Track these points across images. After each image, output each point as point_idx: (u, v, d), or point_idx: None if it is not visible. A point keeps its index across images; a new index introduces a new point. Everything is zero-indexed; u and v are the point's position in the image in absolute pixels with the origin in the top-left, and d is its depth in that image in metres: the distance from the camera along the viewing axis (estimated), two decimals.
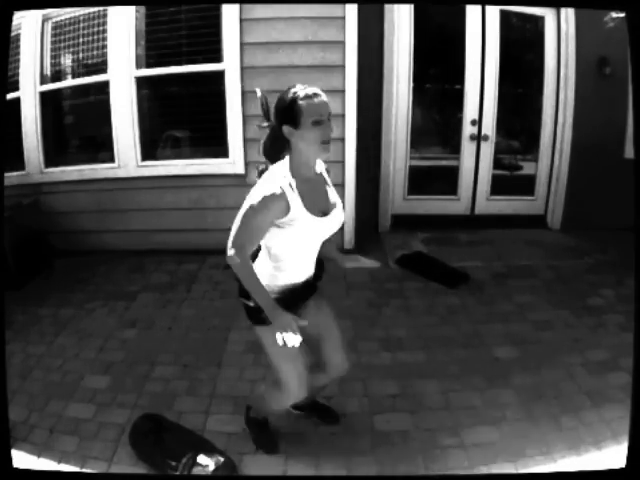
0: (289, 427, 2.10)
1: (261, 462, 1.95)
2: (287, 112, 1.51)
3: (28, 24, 3.73)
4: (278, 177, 1.54)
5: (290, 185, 1.53)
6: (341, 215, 1.69)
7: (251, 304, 1.64)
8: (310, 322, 1.66)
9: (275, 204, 1.50)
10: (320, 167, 1.71)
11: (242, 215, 1.53)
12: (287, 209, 1.52)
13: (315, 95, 1.50)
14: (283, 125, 1.53)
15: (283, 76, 3.48)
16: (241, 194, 1.61)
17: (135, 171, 3.82)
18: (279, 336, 1.54)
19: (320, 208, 1.61)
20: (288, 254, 1.62)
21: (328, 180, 1.73)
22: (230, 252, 1.55)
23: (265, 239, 1.60)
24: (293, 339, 1.54)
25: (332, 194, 1.71)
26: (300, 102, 1.49)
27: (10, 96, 3.73)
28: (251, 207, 1.51)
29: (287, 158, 1.59)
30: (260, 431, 2.05)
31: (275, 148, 1.61)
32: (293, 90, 1.52)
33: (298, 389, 1.74)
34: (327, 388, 2.07)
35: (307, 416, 2.15)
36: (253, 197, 1.52)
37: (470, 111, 4.19)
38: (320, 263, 1.79)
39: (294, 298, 1.68)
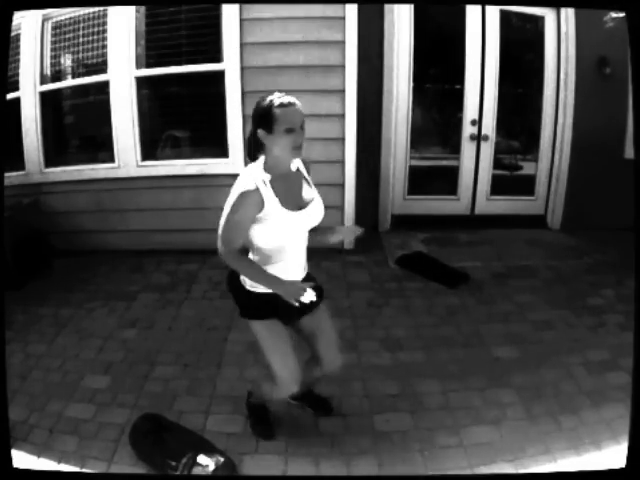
0: (289, 427, 2.10)
1: (261, 462, 1.95)
2: (262, 118, 1.60)
3: (28, 24, 3.73)
4: (252, 175, 1.64)
5: (264, 182, 1.63)
6: (320, 209, 1.77)
7: (246, 289, 1.74)
8: (306, 321, 1.79)
9: (250, 200, 1.59)
10: (296, 164, 1.77)
11: (224, 213, 1.63)
12: (262, 204, 1.61)
13: (290, 104, 1.59)
14: (258, 129, 1.62)
15: (283, 76, 3.48)
16: None
17: (135, 171, 3.82)
18: (293, 301, 1.63)
19: (296, 203, 1.70)
20: (271, 248, 1.70)
21: (306, 175, 1.80)
22: (220, 249, 1.67)
23: (249, 235, 1.68)
24: (307, 296, 1.64)
25: (310, 189, 1.78)
26: (275, 110, 1.58)
27: (10, 96, 3.73)
28: (229, 205, 1.62)
29: (262, 157, 1.69)
30: (258, 417, 2.11)
31: (255, 148, 1.70)
32: (270, 98, 1.60)
33: (290, 382, 1.80)
34: (320, 382, 2.11)
35: (302, 406, 2.18)
36: (231, 195, 1.63)
37: (470, 111, 4.19)
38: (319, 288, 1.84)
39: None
